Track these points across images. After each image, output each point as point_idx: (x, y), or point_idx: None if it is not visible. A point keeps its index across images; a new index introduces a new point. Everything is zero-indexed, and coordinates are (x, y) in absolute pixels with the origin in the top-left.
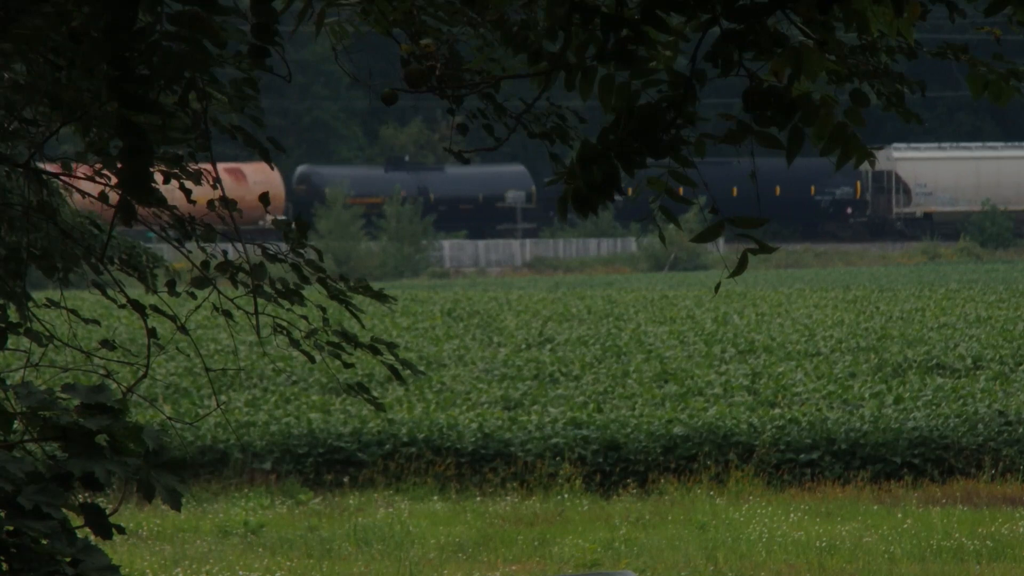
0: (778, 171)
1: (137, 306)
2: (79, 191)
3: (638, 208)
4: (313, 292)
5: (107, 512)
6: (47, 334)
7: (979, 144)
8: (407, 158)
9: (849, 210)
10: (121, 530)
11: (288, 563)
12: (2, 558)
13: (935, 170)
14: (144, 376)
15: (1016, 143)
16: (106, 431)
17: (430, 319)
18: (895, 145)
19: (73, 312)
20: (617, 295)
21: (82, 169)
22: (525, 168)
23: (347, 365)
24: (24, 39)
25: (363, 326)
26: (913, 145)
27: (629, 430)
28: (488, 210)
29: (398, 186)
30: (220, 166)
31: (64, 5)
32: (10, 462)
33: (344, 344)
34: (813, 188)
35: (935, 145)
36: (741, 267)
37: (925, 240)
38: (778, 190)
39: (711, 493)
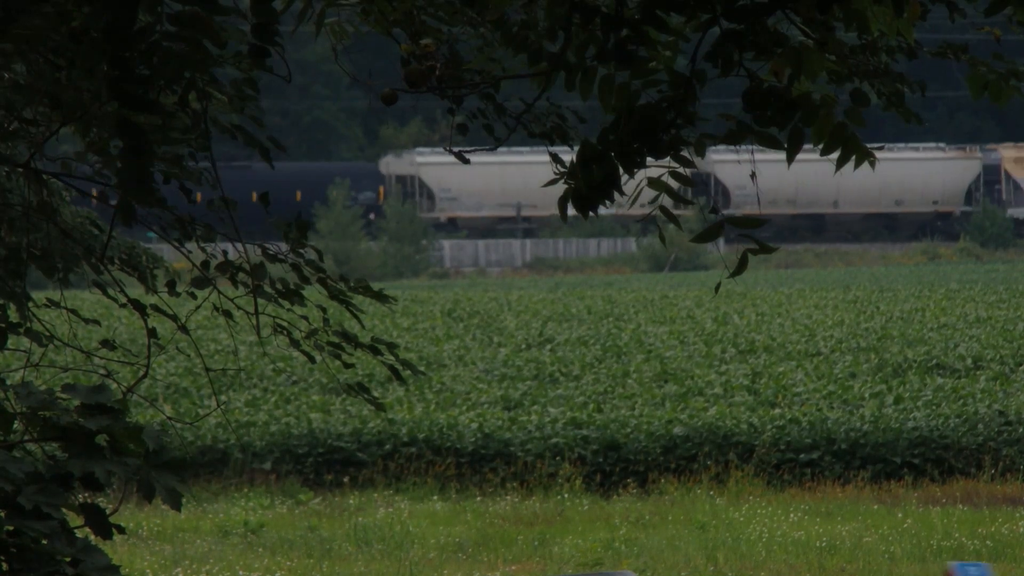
0: (303, 174)
1: (138, 306)
2: (79, 191)
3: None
4: (313, 292)
5: (107, 512)
6: (47, 334)
7: (506, 149)
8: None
9: (372, 216)
10: (121, 530)
11: (288, 563)
12: (2, 558)
13: (459, 175)
14: (144, 376)
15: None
16: (106, 431)
17: (430, 319)
18: (419, 150)
19: (73, 312)
20: (617, 295)
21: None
22: None
23: (347, 365)
24: (24, 39)
25: (363, 326)
26: (436, 150)
27: (629, 430)
28: None
29: (397, 186)
30: None
31: (64, 5)
32: (10, 462)
33: (344, 344)
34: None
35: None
36: (741, 267)
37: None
38: (299, 195)
39: (711, 493)
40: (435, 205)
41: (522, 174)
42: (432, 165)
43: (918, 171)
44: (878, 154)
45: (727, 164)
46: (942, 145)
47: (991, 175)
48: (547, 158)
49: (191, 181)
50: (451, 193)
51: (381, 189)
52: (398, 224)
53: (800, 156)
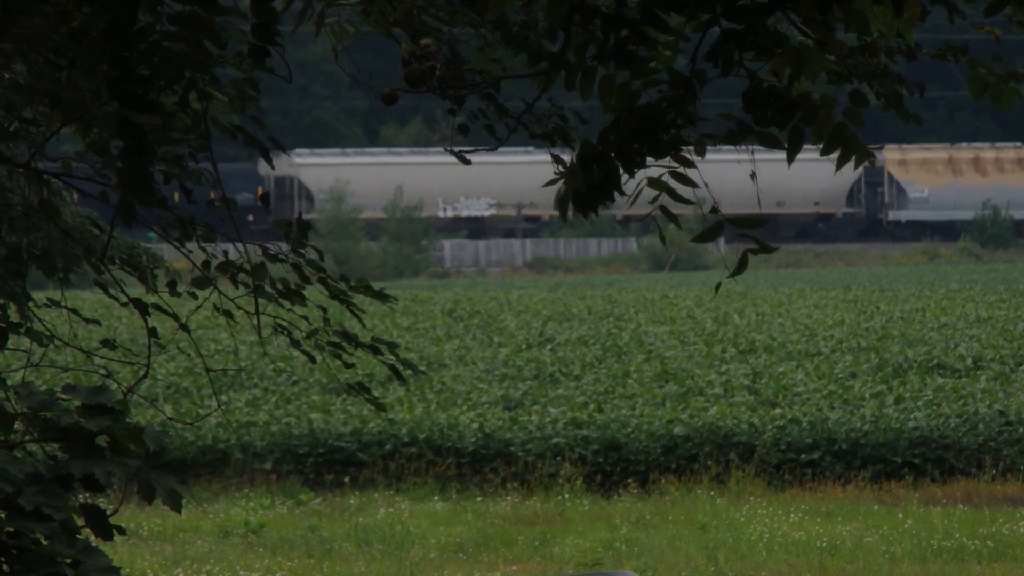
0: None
1: (138, 305)
2: (80, 191)
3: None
4: (314, 292)
5: (107, 513)
6: (47, 334)
7: (385, 149)
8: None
9: (251, 217)
10: (121, 531)
11: (289, 563)
12: (3, 559)
13: (338, 176)
14: (145, 376)
15: (419, 148)
16: (107, 432)
17: (431, 319)
18: (297, 151)
19: (74, 312)
20: (618, 295)
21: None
22: None
23: (348, 365)
24: (24, 39)
25: (364, 326)
26: (317, 151)
27: (630, 430)
28: None
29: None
30: None
31: (64, 5)
32: (11, 463)
33: (345, 344)
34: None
35: (339, 151)
36: (741, 267)
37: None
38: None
39: (712, 493)
40: (313, 206)
41: (403, 174)
42: (311, 166)
43: (799, 172)
44: (760, 155)
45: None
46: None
47: (873, 176)
48: (426, 158)
49: (191, 181)
50: (330, 194)
51: (260, 190)
52: (399, 224)
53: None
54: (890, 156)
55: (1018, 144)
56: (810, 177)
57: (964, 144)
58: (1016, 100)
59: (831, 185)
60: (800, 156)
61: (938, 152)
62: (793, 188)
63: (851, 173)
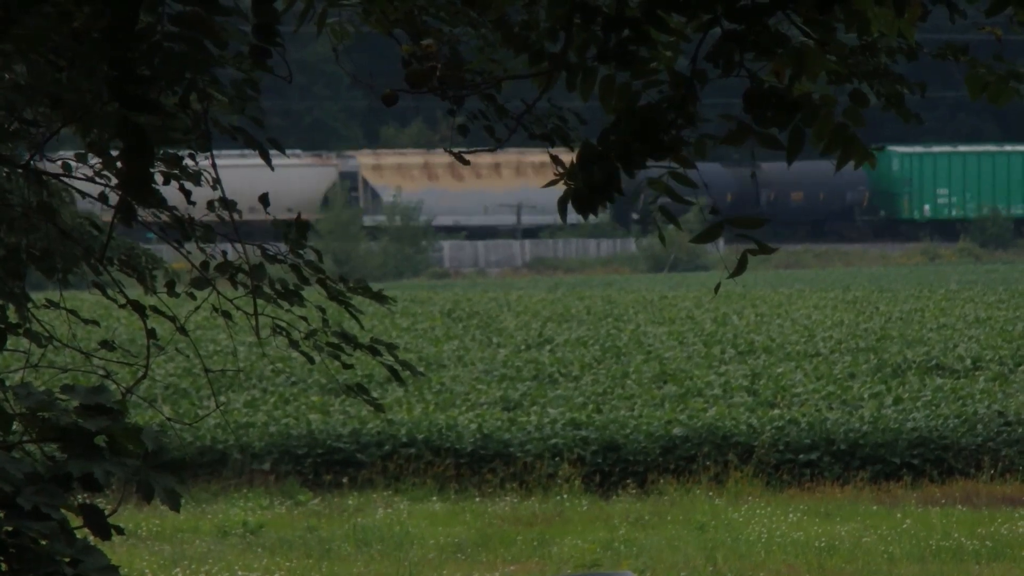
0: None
1: (137, 306)
2: (79, 192)
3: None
4: (312, 293)
5: (106, 513)
6: (46, 335)
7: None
8: None
9: None
10: (120, 531)
11: (287, 563)
12: (1, 558)
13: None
14: (143, 377)
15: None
16: (105, 432)
17: (429, 320)
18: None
19: (72, 313)
20: (617, 296)
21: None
22: None
23: (346, 366)
24: (25, 40)
25: (362, 327)
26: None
27: (628, 431)
28: None
29: (399, 188)
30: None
31: (65, 5)
32: (9, 463)
33: (343, 345)
34: None
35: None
36: (741, 268)
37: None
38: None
39: (710, 494)
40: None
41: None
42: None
43: (273, 178)
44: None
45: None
46: (299, 152)
47: (350, 182)
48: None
49: (191, 182)
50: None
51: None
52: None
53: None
54: (364, 161)
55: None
56: (283, 183)
57: (439, 149)
58: (1015, 99)
59: (306, 191)
60: (277, 162)
61: (413, 157)
62: (273, 192)
63: (326, 179)
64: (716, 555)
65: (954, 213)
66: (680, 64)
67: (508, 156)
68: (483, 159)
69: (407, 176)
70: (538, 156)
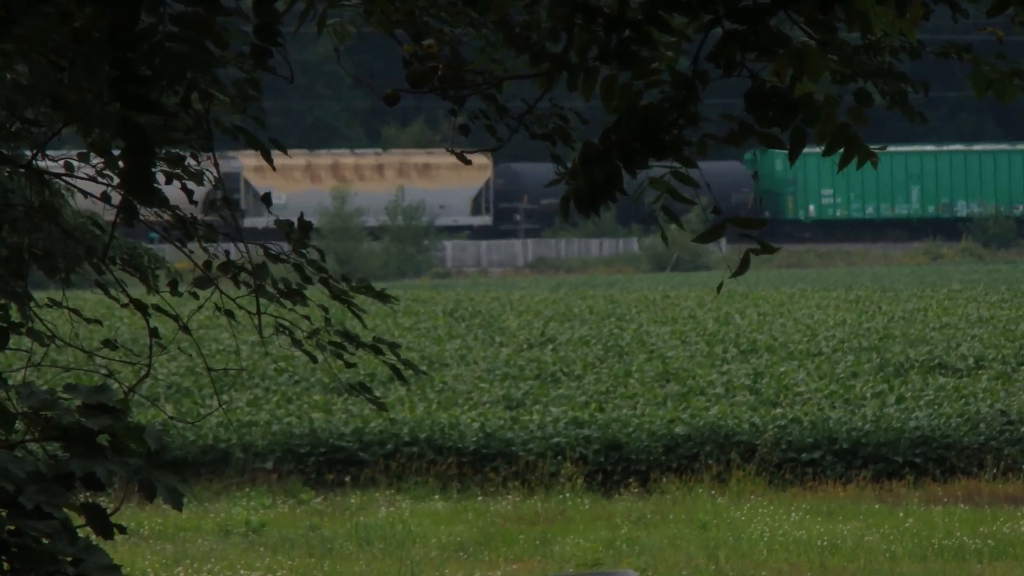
0: None
1: (139, 305)
2: (81, 191)
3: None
4: (315, 292)
5: (108, 512)
6: (49, 334)
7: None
8: None
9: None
10: (122, 530)
11: (289, 562)
12: (3, 557)
13: None
14: (146, 376)
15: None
16: (108, 431)
17: (432, 319)
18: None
19: (75, 312)
20: (619, 295)
21: (84, 169)
22: None
23: (349, 365)
24: (26, 40)
25: (365, 326)
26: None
27: (631, 430)
28: None
29: (401, 189)
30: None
31: (66, 5)
32: (11, 462)
33: (346, 344)
34: None
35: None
36: (743, 267)
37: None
38: None
39: (712, 492)
40: None
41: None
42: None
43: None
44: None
45: None
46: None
47: (232, 184)
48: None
49: (193, 181)
50: None
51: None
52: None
53: None
54: (247, 163)
55: (378, 151)
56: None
57: (323, 151)
58: (1020, 96)
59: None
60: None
61: (296, 159)
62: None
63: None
64: (718, 554)
65: (839, 214)
66: (681, 64)
67: (392, 158)
68: (368, 160)
69: (289, 178)
70: (422, 158)
